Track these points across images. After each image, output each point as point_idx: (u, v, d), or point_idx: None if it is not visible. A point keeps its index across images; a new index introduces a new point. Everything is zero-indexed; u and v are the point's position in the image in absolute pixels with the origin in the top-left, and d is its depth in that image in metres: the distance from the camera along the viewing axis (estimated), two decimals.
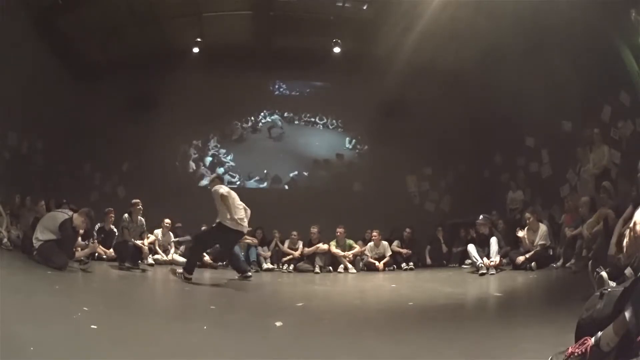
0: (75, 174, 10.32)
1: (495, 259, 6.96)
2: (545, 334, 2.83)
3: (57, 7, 8.32)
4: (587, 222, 5.84)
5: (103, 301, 4.10)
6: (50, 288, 4.36)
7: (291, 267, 8.22)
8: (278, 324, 3.30)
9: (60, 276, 5.25)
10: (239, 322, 3.54)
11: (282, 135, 11.80)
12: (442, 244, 9.17)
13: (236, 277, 6.33)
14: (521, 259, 6.89)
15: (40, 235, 5.71)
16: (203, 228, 7.09)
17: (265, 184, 11.54)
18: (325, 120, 11.93)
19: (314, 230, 8.38)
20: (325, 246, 8.23)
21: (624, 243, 2.12)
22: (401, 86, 9.87)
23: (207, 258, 7.92)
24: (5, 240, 6.81)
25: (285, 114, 11.89)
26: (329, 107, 11.79)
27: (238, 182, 11.55)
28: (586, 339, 1.99)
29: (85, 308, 3.41)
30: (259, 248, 8.45)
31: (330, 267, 8.14)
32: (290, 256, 8.38)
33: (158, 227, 8.45)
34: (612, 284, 2.75)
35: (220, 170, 11.57)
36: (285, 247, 8.56)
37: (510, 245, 7.41)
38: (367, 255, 8.37)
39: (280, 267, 8.29)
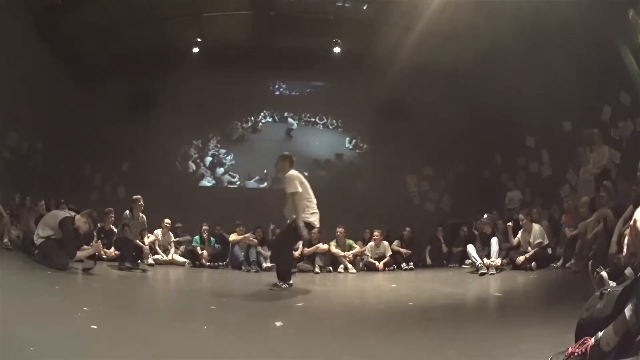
0: (75, 174, 10.32)
1: (497, 259, 6.97)
2: (545, 334, 2.83)
3: (57, 7, 8.32)
4: (587, 221, 5.84)
5: (103, 301, 4.10)
6: (50, 288, 4.36)
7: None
8: (278, 324, 3.30)
9: (60, 276, 5.25)
10: (239, 322, 3.54)
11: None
12: (442, 244, 9.17)
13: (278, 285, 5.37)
14: (521, 259, 6.90)
15: (41, 232, 5.71)
16: (277, 230, 6.46)
17: (265, 184, 11.53)
18: (325, 120, 11.93)
19: (315, 230, 8.36)
20: (325, 246, 8.23)
21: (625, 242, 2.12)
22: (401, 86, 9.88)
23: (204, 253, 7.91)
24: (5, 240, 6.82)
25: (285, 114, 11.89)
26: (329, 107, 11.79)
27: (238, 182, 11.55)
28: (586, 339, 1.99)
29: (85, 308, 3.41)
30: (259, 248, 8.44)
31: (330, 267, 8.14)
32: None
33: (158, 227, 8.46)
34: (612, 284, 2.75)
35: (220, 170, 11.59)
36: None
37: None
38: (367, 255, 8.37)
39: None
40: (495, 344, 2.81)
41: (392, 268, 8.17)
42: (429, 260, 8.98)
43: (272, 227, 8.59)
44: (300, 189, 5.39)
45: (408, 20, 8.46)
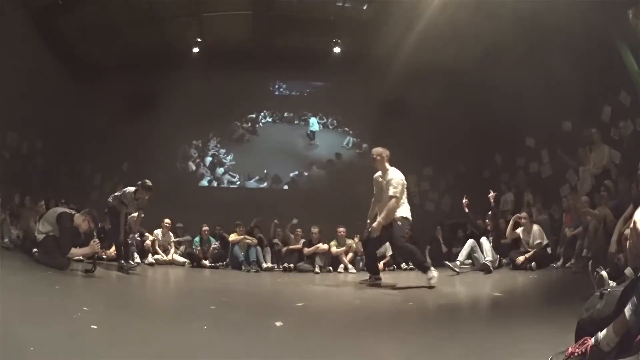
0: (75, 174, 10.32)
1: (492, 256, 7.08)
2: (545, 334, 2.83)
3: (57, 7, 8.32)
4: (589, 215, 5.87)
5: (103, 301, 4.10)
6: (50, 288, 4.36)
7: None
8: (278, 324, 3.29)
9: (60, 276, 5.25)
10: (239, 322, 3.54)
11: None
12: (441, 244, 9.16)
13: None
14: (521, 259, 6.91)
15: (42, 227, 5.72)
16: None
17: (265, 184, 11.54)
18: (325, 120, 11.93)
19: (314, 230, 8.39)
20: (325, 246, 8.24)
21: (627, 245, 2.12)
22: (401, 86, 9.87)
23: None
24: (5, 240, 6.82)
25: (285, 114, 11.89)
26: (329, 107, 11.79)
27: (238, 182, 11.55)
28: (586, 339, 1.99)
29: (85, 308, 3.41)
30: (258, 247, 8.44)
31: (330, 267, 8.14)
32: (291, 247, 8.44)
33: (158, 227, 8.46)
34: (612, 283, 2.75)
35: (220, 170, 11.58)
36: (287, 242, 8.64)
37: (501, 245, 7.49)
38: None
39: (280, 267, 8.27)
40: (495, 344, 2.81)
41: (392, 268, 8.18)
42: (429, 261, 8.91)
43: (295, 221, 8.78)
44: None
45: (408, 20, 8.46)
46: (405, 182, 5.73)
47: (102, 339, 2.70)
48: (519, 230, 7.26)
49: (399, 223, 5.48)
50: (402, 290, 5.50)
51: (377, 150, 5.95)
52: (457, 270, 6.95)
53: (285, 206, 9.95)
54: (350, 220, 8.77)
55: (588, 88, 7.23)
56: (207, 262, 8.25)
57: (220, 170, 11.57)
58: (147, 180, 6.50)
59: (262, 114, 11.87)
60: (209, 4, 9.46)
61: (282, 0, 9.57)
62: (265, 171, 11.54)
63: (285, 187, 11.55)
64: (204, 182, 11.57)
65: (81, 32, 9.27)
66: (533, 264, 6.81)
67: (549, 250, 7.17)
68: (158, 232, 8.42)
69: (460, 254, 7.41)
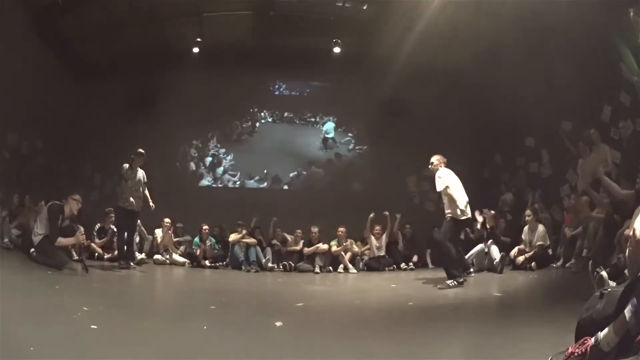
0: (75, 174, 10.31)
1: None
2: (545, 334, 2.83)
3: (57, 7, 8.31)
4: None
5: (103, 301, 4.10)
6: (50, 288, 4.36)
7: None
8: (278, 324, 3.30)
9: (60, 276, 5.25)
10: (239, 322, 3.54)
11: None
12: None
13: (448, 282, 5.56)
14: (521, 259, 6.91)
15: (39, 229, 5.75)
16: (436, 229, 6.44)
17: (265, 184, 11.54)
18: (325, 120, 11.93)
19: (314, 230, 8.39)
20: (325, 246, 8.24)
21: (627, 254, 2.12)
22: (401, 86, 9.86)
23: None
24: (5, 240, 6.82)
25: (285, 114, 11.89)
26: (329, 107, 11.79)
27: (238, 182, 11.55)
28: (586, 339, 1.99)
29: (85, 308, 3.41)
30: (258, 247, 8.44)
31: (330, 267, 8.14)
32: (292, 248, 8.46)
33: (158, 227, 8.46)
34: (612, 283, 2.75)
35: (220, 170, 11.58)
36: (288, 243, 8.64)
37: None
38: (367, 256, 8.40)
39: (280, 266, 8.27)
40: (495, 344, 2.81)
41: (391, 268, 8.18)
42: (430, 265, 8.66)
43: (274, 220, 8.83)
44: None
45: (408, 20, 8.46)
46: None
47: (102, 339, 2.70)
48: (525, 231, 7.23)
49: (447, 219, 5.92)
50: (403, 290, 5.50)
51: (436, 157, 6.48)
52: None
53: (285, 206, 9.95)
54: (350, 220, 8.79)
55: (588, 88, 7.22)
56: (207, 262, 8.24)
57: (220, 170, 11.56)
58: (139, 149, 7.03)
59: (262, 114, 11.87)
60: (209, 4, 9.45)
61: (282, 0, 9.56)
62: (265, 171, 11.53)
63: (285, 187, 11.55)
64: (204, 182, 11.56)
65: (81, 32, 9.26)
66: (533, 264, 6.80)
67: (549, 251, 7.16)
68: (158, 232, 8.43)
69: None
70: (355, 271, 8.07)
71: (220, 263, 8.35)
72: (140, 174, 7.05)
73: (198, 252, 8.31)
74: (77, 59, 9.94)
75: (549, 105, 8.22)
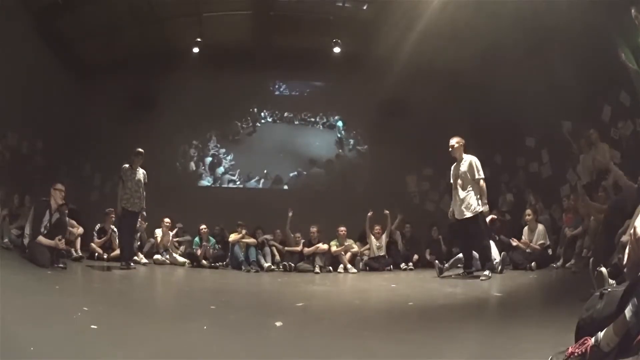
0: (75, 174, 10.31)
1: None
2: (545, 334, 2.83)
3: (57, 7, 8.31)
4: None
5: (103, 301, 4.11)
6: (50, 288, 4.36)
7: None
8: (278, 324, 3.30)
9: (60, 276, 5.26)
10: (239, 322, 3.54)
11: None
12: (441, 245, 9.15)
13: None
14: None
15: (27, 229, 5.82)
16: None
17: (265, 184, 11.54)
18: (325, 120, 11.93)
19: (314, 230, 8.38)
20: (325, 246, 8.23)
21: (626, 252, 2.12)
22: (401, 86, 9.85)
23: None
24: (5, 240, 6.83)
25: (285, 114, 11.89)
26: (329, 107, 11.79)
27: (238, 182, 11.55)
28: (586, 339, 1.99)
29: (85, 308, 3.41)
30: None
31: (330, 267, 8.14)
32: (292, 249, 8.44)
33: (158, 227, 8.45)
34: (612, 282, 2.75)
35: (220, 170, 11.58)
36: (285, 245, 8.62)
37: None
38: (367, 256, 8.39)
39: (279, 267, 8.26)
40: (495, 344, 2.81)
41: (389, 268, 8.18)
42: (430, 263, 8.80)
43: (290, 213, 8.66)
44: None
45: (408, 20, 8.45)
46: None
47: (102, 339, 2.70)
48: (525, 231, 7.24)
49: (483, 214, 5.91)
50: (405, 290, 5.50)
51: (455, 138, 6.37)
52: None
53: (285, 206, 9.95)
54: (350, 220, 8.78)
55: (588, 88, 7.23)
56: (206, 262, 8.24)
57: (220, 170, 11.56)
58: (138, 149, 7.09)
59: (262, 114, 11.86)
60: (209, 4, 9.44)
61: (282, 0, 9.56)
62: (265, 171, 11.53)
63: (285, 187, 11.55)
64: (204, 182, 11.57)
65: (81, 32, 9.26)
66: (533, 264, 6.80)
67: (549, 251, 7.16)
68: (158, 232, 8.43)
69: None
70: (355, 271, 8.07)
71: (220, 263, 8.35)
72: (141, 173, 7.05)
73: (198, 252, 8.31)
74: (77, 59, 9.94)
75: (549, 105, 8.22)
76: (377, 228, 8.43)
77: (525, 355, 2.49)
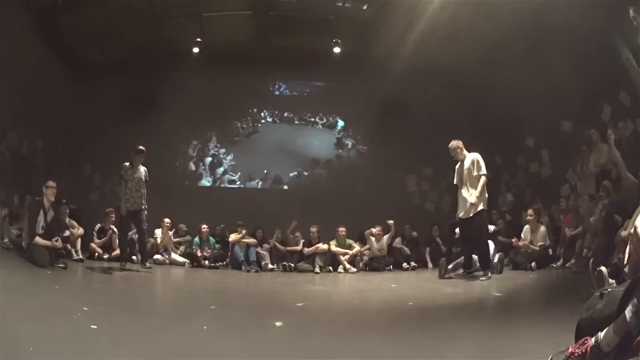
0: (75, 174, 10.31)
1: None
2: (545, 334, 2.83)
3: (57, 7, 8.31)
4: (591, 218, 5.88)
5: (103, 301, 4.10)
6: (50, 288, 4.36)
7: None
8: (278, 324, 3.30)
9: (60, 276, 5.26)
10: (239, 322, 3.54)
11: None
12: (441, 245, 9.14)
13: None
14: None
15: (24, 230, 5.81)
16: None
17: (265, 184, 11.53)
18: (325, 121, 11.93)
19: (313, 229, 8.38)
20: (325, 246, 8.23)
21: (627, 251, 2.12)
22: (401, 86, 9.85)
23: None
24: (5, 240, 6.82)
25: (286, 114, 11.89)
26: (329, 107, 11.79)
27: (238, 182, 11.55)
28: (586, 339, 1.99)
29: (85, 308, 3.41)
30: (259, 247, 8.42)
31: (330, 267, 8.14)
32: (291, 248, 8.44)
33: (158, 227, 8.45)
34: (612, 281, 2.75)
35: (220, 170, 11.58)
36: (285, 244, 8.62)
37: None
38: (366, 256, 8.40)
39: (279, 267, 8.25)
40: (495, 344, 2.81)
41: (389, 268, 8.18)
42: (430, 265, 8.70)
43: (294, 222, 8.68)
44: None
45: (408, 20, 8.45)
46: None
47: (102, 339, 2.70)
48: (525, 231, 7.24)
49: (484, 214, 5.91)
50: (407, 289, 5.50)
51: (452, 143, 6.42)
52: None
53: (285, 206, 9.95)
54: (350, 220, 8.79)
55: (588, 88, 7.23)
56: (207, 262, 8.24)
57: (220, 170, 11.56)
58: (139, 146, 6.97)
59: (262, 114, 11.86)
60: (209, 4, 9.45)
61: (282, 0, 9.56)
62: (265, 171, 11.53)
63: (286, 187, 11.55)
64: (204, 182, 11.56)
65: (81, 32, 9.26)
66: (533, 264, 6.80)
67: (549, 251, 7.16)
68: (158, 232, 8.42)
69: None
70: (355, 271, 8.07)
71: (220, 263, 8.35)
72: (142, 171, 6.99)
73: (198, 252, 8.31)
74: (78, 59, 9.94)
75: (549, 105, 8.22)
76: (377, 230, 8.41)
77: (525, 355, 2.49)
